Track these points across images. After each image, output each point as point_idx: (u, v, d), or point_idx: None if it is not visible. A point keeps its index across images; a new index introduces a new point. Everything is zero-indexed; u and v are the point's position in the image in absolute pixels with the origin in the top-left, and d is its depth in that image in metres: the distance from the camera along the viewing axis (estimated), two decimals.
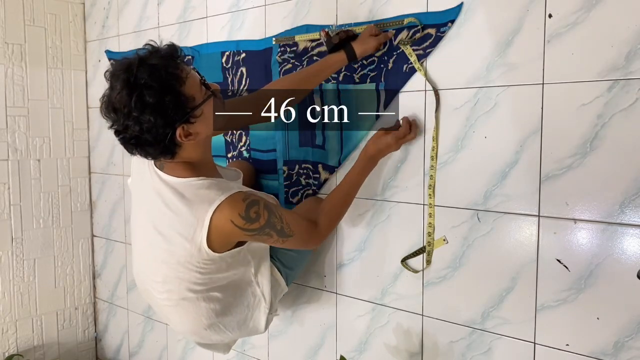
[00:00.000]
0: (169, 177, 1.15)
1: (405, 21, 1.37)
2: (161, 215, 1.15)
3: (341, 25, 1.50)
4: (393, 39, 1.40)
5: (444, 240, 1.36)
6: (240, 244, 1.21)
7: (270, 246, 1.37)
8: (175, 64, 1.04)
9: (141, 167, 1.23)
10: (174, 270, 1.17)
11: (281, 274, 1.37)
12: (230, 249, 1.18)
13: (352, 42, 1.40)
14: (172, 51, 1.06)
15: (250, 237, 1.15)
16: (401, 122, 1.36)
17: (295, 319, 1.73)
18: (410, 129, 1.34)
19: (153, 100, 0.99)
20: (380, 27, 1.42)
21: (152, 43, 1.07)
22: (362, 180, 1.37)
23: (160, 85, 1.00)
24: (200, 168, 1.16)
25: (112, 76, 1.05)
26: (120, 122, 1.04)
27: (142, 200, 1.23)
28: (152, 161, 1.19)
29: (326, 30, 1.44)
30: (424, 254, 1.39)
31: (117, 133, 1.08)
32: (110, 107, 1.05)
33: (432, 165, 1.35)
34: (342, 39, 1.41)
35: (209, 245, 1.11)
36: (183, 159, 1.14)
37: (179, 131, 1.05)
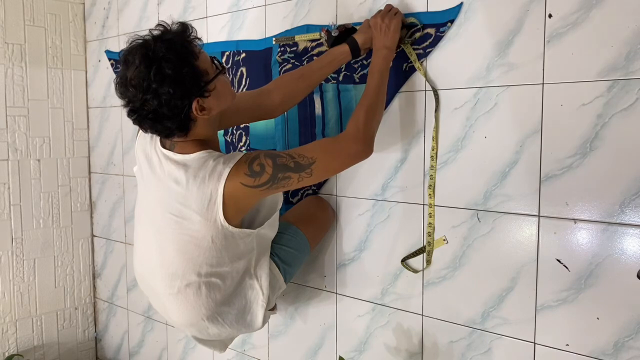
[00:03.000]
0: (179, 155, 1.17)
1: (407, 20, 1.37)
2: (173, 195, 1.16)
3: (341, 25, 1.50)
4: None
5: (444, 240, 1.36)
6: (250, 226, 1.23)
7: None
8: (188, 40, 1.09)
9: (147, 152, 1.24)
10: (183, 252, 1.18)
11: (279, 270, 1.36)
12: (243, 228, 1.20)
13: (353, 34, 1.39)
14: (185, 28, 1.10)
15: (269, 192, 1.15)
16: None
17: (295, 319, 1.74)
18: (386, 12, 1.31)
19: (172, 72, 1.03)
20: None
21: (163, 23, 1.11)
22: (385, 78, 1.28)
23: (177, 57, 1.04)
24: (209, 144, 1.19)
25: (129, 53, 1.08)
26: (138, 97, 1.06)
27: (150, 185, 1.23)
28: (159, 144, 1.21)
29: (326, 29, 1.45)
30: (424, 254, 1.39)
31: (132, 112, 1.09)
32: (128, 84, 1.07)
33: (432, 165, 1.36)
34: (341, 32, 1.42)
35: (225, 216, 1.13)
36: (196, 136, 1.16)
37: (194, 105, 1.08)
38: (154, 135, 1.22)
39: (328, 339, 1.65)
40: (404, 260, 1.43)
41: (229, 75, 1.81)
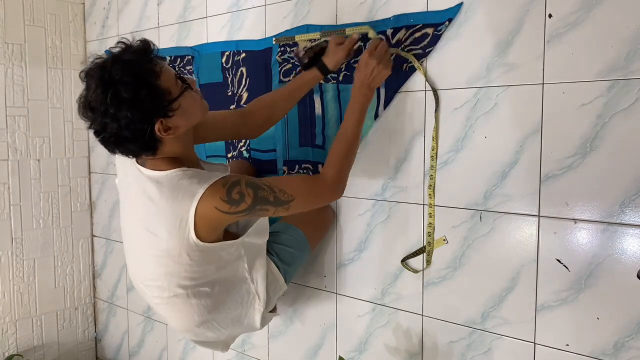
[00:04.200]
0: (151, 171, 1.13)
1: (362, 29, 1.40)
2: (147, 211, 1.14)
3: (335, 26, 1.50)
4: (363, 45, 1.43)
5: (444, 240, 1.36)
6: (234, 237, 1.21)
7: (268, 241, 1.36)
8: (148, 58, 1.05)
9: (125, 165, 1.22)
10: (164, 266, 1.16)
11: (279, 270, 1.35)
12: (223, 240, 1.17)
13: (323, 56, 1.44)
14: (145, 46, 1.06)
15: (243, 217, 1.13)
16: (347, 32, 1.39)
17: (295, 319, 1.73)
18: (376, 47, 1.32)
19: (128, 95, 0.99)
20: (340, 33, 1.45)
21: (124, 40, 1.08)
22: (362, 118, 1.31)
23: (134, 79, 1.01)
24: (182, 162, 1.15)
25: (87, 76, 1.06)
26: (98, 121, 1.04)
27: (129, 198, 1.22)
28: (134, 162, 1.18)
29: (295, 50, 1.51)
30: (424, 254, 1.39)
31: (96, 133, 1.07)
32: (87, 106, 1.05)
33: (432, 165, 1.35)
34: (310, 58, 1.48)
35: (198, 236, 1.10)
36: (165, 155, 1.13)
37: (157, 125, 1.05)
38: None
39: (328, 339, 1.65)
40: (404, 261, 1.43)
41: (229, 75, 1.81)
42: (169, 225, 1.10)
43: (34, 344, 2.37)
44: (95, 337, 2.61)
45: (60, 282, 2.43)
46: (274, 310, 1.63)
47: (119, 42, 1.08)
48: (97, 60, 1.06)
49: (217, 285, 1.22)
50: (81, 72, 1.08)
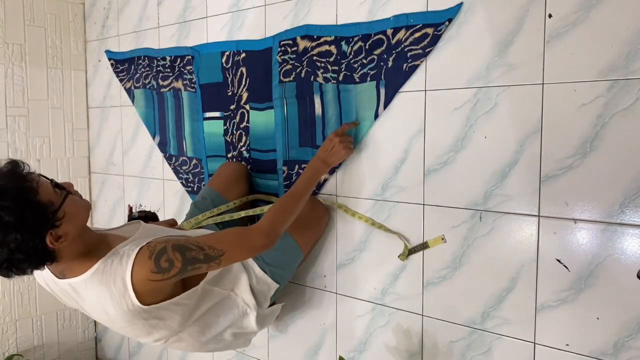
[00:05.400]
0: (75, 279, 1.13)
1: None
2: (101, 312, 1.16)
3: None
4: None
5: (443, 239, 1.36)
6: (195, 283, 1.24)
7: None
8: (21, 177, 1.02)
9: (54, 290, 1.23)
10: (146, 335, 1.21)
11: (264, 272, 1.38)
12: (182, 292, 1.20)
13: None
14: (14, 167, 1.04)
15: (178, 278, 1.13)
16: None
17: (296, 318, 1.73)
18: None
19: (13, 218, 0.98)
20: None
21: None
22: (310, 186, 1.38)
23: (14, 202, 0.98)
24: (93, 250, 1.14)
25: None
26: None
27: (78, 306, 1.24)
28: (53, 279, 1.18)
29: (130, 205, 1.68)
30: (408, 250, 1.39)
31: None
32: None
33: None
34: (141, 217, 1.66)
35: (150, 303, 1.12)
36: (72, 256, 1.12)
37: (48, 238, 1.03)
38: (42, 273, 1.20)
39: (328, 339, 1.65)
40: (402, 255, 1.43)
41: (229, 75, 1.81)
42: (121, 312, 1.12)
43: (34, 344, 2.37)
44: (95, 337, 2.61)
45: None
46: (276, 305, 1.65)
47: None
48: None
49: (202, 316, 1.28)
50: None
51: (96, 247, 1.15)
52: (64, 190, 1.09)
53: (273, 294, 1.42)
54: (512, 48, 1.22)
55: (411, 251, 1.42)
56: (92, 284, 1.11)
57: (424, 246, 1.40)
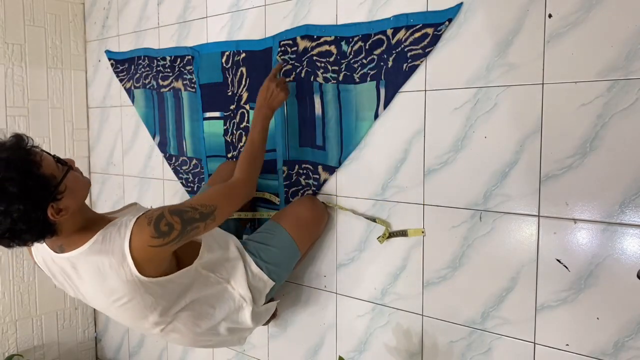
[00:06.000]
0: (74, 252, 1.15)
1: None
2: (98, 286, 1.16)
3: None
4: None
5: (422, 232, 1.39)
6: (189, 262, 1.24)
7: (247, 241, 1.43)
8: (25, 151, 1.06)
9: (52, 270, 1.24)
10: (142, 319, 1.22)
11: (261, 268, 1.38)
12: (177, 269, 1.21)
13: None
14: (18, 140, 1.08)
15: (179, 244, 1.16)
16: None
17: (295, 318, 1.74)
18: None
19: (17, 189, 1.01)
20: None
21: None
22: (266, 132, 1.47)
23: (18, 173, 1.02)
24: (91, 225, 1.17)
25: None
26: None
27: (81, 291, 1.25)
28: (52, 256, 1.19)
29: None
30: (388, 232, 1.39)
31: None
32: None
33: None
34: None
35: (146, 274, 1.13)
36: (71, 231, 1.15)
37: (49, 211, 1.06)
38: (40, 251, 1.22)
39: (328, 339, 1.65)
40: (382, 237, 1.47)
41: (229, 75, 1.81)
42: (120, 285, 1.13)
43: (34, 344, 2.37)
44: (95, 337, 2.61)
45: None
46: (274, 316, 1.65)
47: None
48: None
49: (197, 305, 1.28)
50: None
51: (95, 222, 1.18)
52: (66, 165, 1.13)
53: (269, 291, 1.43)
54: (512, 48, 1.22)
55: (391, 235, 1.45)
56: (91, 255, 1.13)
57: (403, 233, 1.43)
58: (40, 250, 1.22)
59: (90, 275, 1.15)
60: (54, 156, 1.12)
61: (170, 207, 1.16)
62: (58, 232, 1.12)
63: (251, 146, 1.44)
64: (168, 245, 1.12)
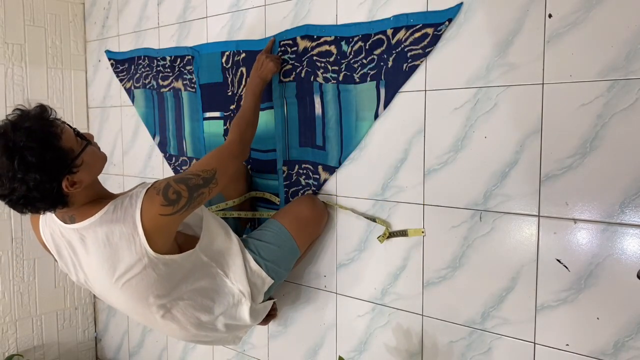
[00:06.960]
0: (85, 222, 1.17)
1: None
2: (103, 259, 1.17)
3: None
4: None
5: (422, 232, 1.38)
6: (190, 245, 1.25)
7: (247, 239, 1.43)
8: (48, 122, 1.10)
9: (58, 244, 1.25)
10: (135, 289, 1.21)
11: (260, 265, 1.39)
12: (180, 252, 1.23)
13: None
14: (42, 111, 1.12)
15: (187, 213, 1.18)
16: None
17: (295, 319, 1.74)
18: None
19: (35, 159, 1.04)
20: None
21: (20, 107, 1.12)
22: (258, 99, 1.52)
23: (39, 144, 1.05)
24: (103, 199, 1.20)
25: None
26: (6, 187, 1.06)
27: (77, 266, 1.25)
28: (61, 227, 1.21)
29: None
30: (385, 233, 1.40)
31: (2, 197, 1.10)
32: None
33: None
34: None
35: (154, 248, 1.15)
36: (83, 202, 1.18)
37: (64, 182, 1.09)
38: (48, 225, 1.24)
39: (328, 339, 1.65)
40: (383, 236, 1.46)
41: (229, 75, 1.81)
42: (129, 256, 1.15)
43: (34, 344, 2.37)
44: (95, 337, 2.61)
45: (60, 282, 2.43)
46: (273, 314, 1.65)
47: (15, 110, 1.12)
48: None
49: (196, 295, 1.29)
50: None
51: (106, 196, 1.22)
52: (85, 140, 1.17)
53: (267, 289, 1.43)
54: (512, 48, 1.22)
55: (391, 234, 1.45)
56: (102, 225, 1.15)
57: (403, 233, 1.42)
58: (49, 222, 1.24)
59: (97, 247, 1.17)
60: (74, 130, 1.15)
61: (174, 177, 1.19)
62: (69, 204, 1.14)
63: (243, 112, 1.47)
64: (178, 214, 1.15)
